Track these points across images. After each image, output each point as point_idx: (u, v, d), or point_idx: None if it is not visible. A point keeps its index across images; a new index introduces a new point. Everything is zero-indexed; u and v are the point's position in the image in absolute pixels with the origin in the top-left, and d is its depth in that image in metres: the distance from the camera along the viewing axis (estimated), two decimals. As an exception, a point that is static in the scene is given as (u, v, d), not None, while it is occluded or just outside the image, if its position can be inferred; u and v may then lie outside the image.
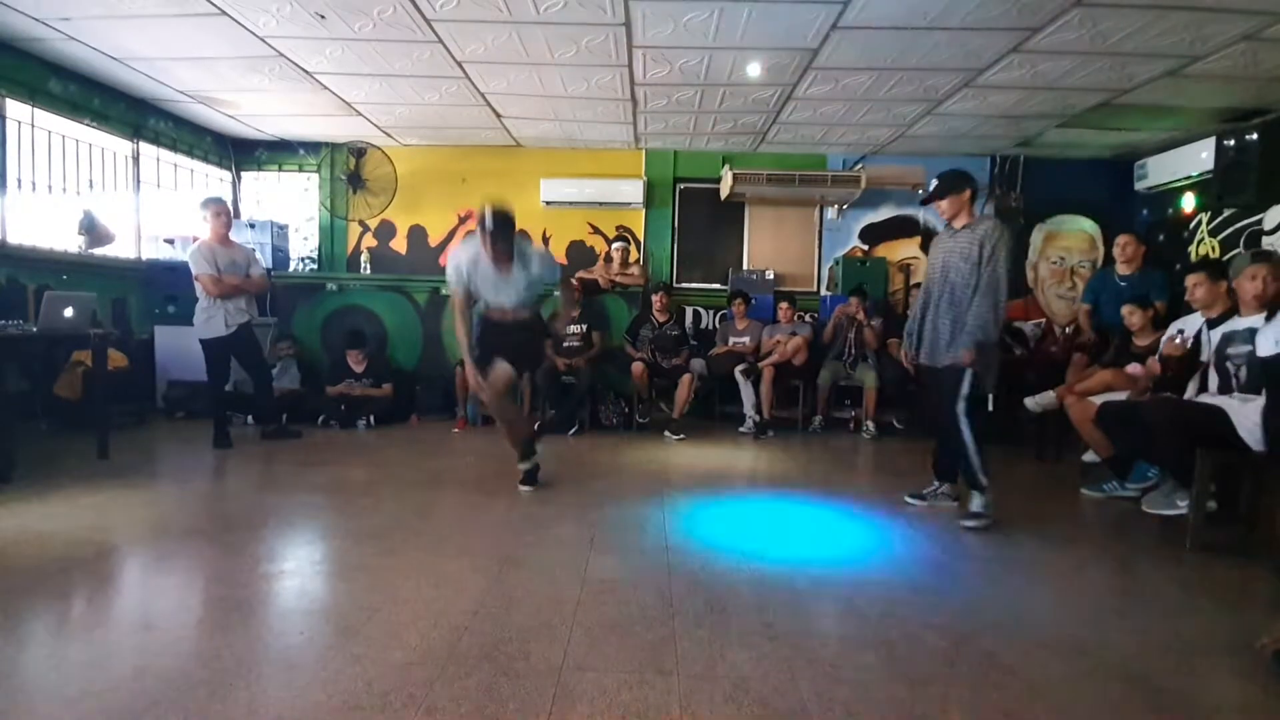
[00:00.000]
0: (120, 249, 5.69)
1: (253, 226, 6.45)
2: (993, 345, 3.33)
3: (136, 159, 5.91)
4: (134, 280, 5.83)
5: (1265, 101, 4.99)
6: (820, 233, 7.09)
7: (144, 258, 5.96)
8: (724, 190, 6.71)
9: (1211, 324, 3.32)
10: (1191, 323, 3.57)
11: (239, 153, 7.04)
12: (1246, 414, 2.96)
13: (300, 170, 7.15)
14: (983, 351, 3.28)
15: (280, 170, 7.17)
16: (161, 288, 5.87)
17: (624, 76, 4.97)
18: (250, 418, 5.49)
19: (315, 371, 6.08)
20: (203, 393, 5.64)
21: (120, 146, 5.77)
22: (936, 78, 4.82)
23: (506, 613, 2.19)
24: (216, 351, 4.72)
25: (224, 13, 4.08)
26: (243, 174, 7.14)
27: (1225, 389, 3.16)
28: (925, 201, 3.57)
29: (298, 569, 2.59)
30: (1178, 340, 3.51)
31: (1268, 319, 3.06)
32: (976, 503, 3.35)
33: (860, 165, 6.75)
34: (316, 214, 7.17)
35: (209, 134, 6.67)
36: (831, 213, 7.02)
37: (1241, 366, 3.10)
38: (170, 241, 6.01)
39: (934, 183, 3.49)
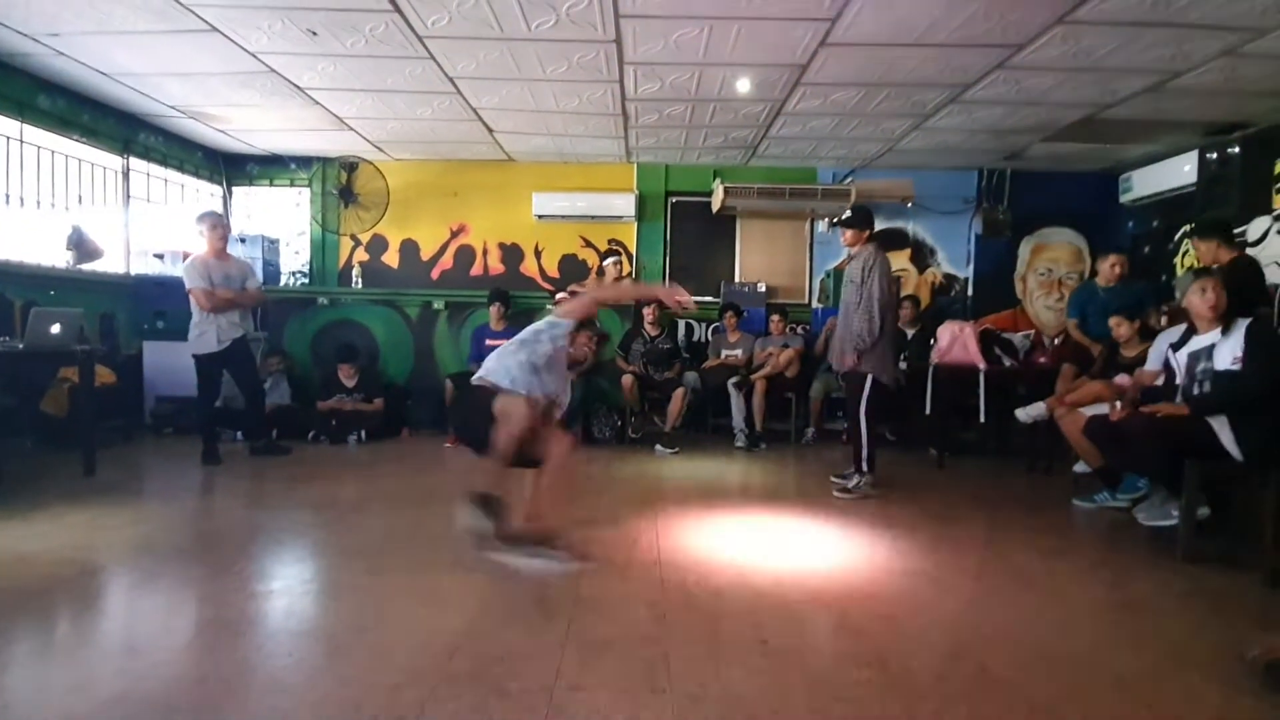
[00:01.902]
0: (109, 264, 5.66)
1: (243, 241, 6.43)
2: (877, 348, 4.02)
3: (126, 174, 5.89)
4: (122, 295, 5.80)
5: (1246, 115, 5.06)
6: (811, 245, 7.12)
7: (133, 273, 5.93)
8: (715, 203, 6.74)
9: (1176, 347, 3.31)
10: (1171, 338, 3.56)
11: (230, 167, 7.02)
12: (1225, 426, 2.97)
13: (292, 185, 7.13)
14: (865, 355, 4.01)
15: (271, 185, 7.16)
16: (150, 303, 5.83)
17: (615, 92, 5.00)
18: (239, 434, 5.44)
19: (306, 386, 6.05)
20: (192, 408, 5.62)
21: (110, 161, 5.75)
22: (923, 93, 4.87)
23: (498, 631, 2.17)
24: (207, 367, 4.70)
25: (215, 29, 4.09)
26: (234, 189, 7.12)
27: None
28: (836, 223, 4.24)
29: (286, 588, 2.56)
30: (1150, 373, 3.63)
31: (1224, 333, 3.06)
32: (855, 480, 4.10)
33: (850, 179, 6.80)
34: (308, 228, 7.15)
35: (199, 149, 6.66)
36: (822, 225, 7.06)
37: (1206, 383, 3.08)
38: (159, 256, 5.98)
39: (846, 213, 4.20)
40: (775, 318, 6.24)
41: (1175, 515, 3.18)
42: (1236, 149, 5.25)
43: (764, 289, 6.89)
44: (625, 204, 6.86)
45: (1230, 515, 3.28)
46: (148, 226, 6.14)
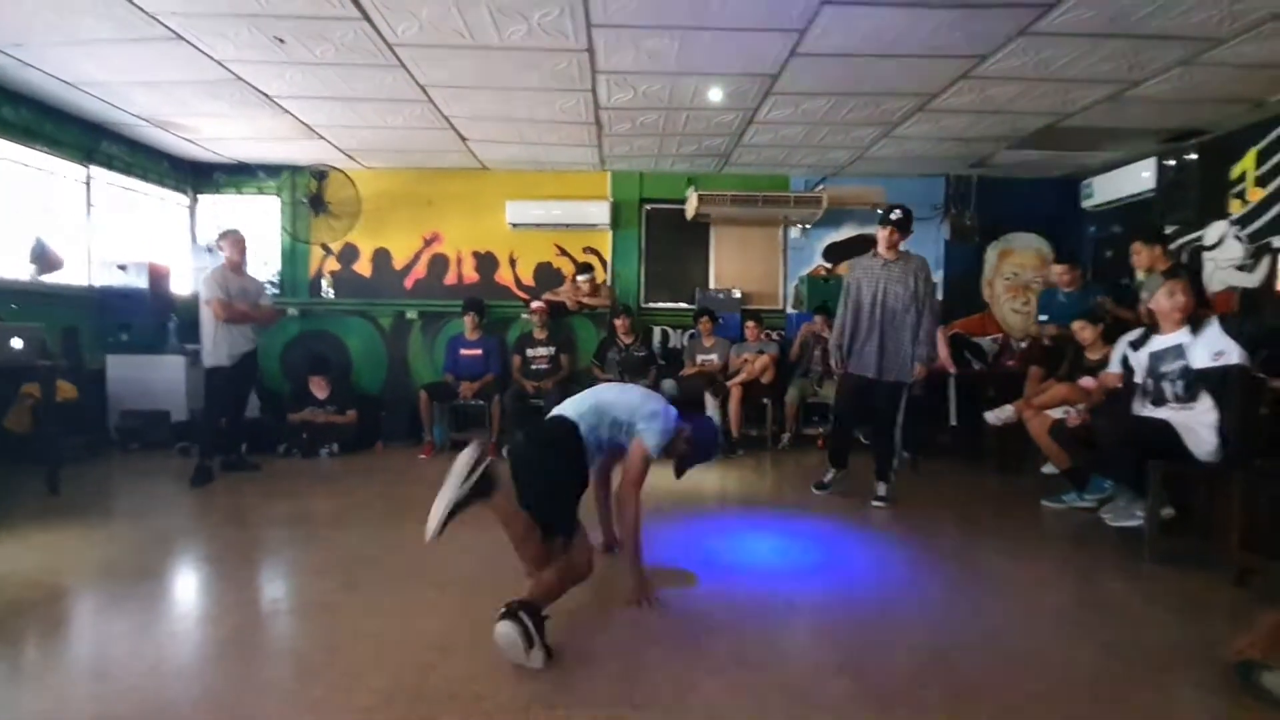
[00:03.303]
0: (71, 276, 5.51)
1: (210, 251, 6.32)
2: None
3: (89, 184, 5.75)
4: (86, 308, 5.65)
5: (1203, 122, 5.22)
6: (785, 252, 7.19)
7: (96, 285, 5.78)
8: (690, 211, 6.78)
9: (1135, 345, 3.39)
10: (1120, 346, 3.64)
11: (197, 176, 6.90)
12: (1191, 426, 3.05)
13: (260, 193, 7.03)
14: (906, 365, 4.01)
15: (240, 194, 7.04)
16: (114, 315, 5.70)
17: (588, 101, 5.01)
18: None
19: (277, 399, 5.96)
20: (157, 422, 5.52)
21: (72, 171, 5.61)
22: (891, 102, 4.95)
23: (475, 648, 2.15)
24: (218, 382, 4.71)
25: (181, 37, 4.02)
26: (200, 198, 6.99)
27: (1159, 403, 3.24)
28: (891, 223, 4.00)
29: (256, 609, 2.52)
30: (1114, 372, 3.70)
31: (1193, 332, 3.13)
32: (885, 489, 4.09)
33: (821, 186, 6.89)
34: (277, 238, 7.05)
35: (165, 158, 6.52)
36: (795, 232, 7.13)
37: (1178, 381, 3.15)
38: (123, 268, 5.85)
39: (897, 213, 4.02)
40: (750, 324, 6.28)
41: (1140, 516, 3.26)
42: (1194, 155, 5.40)
43: (738, 295, 6.93)
44: (600, 212, 6.86)
45: (1194, 516, 3.36)
46: (111, 237, 6.00)
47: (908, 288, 3.95)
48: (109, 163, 5.92)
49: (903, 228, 4.00)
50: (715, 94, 4.83)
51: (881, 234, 4.04)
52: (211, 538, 3.46)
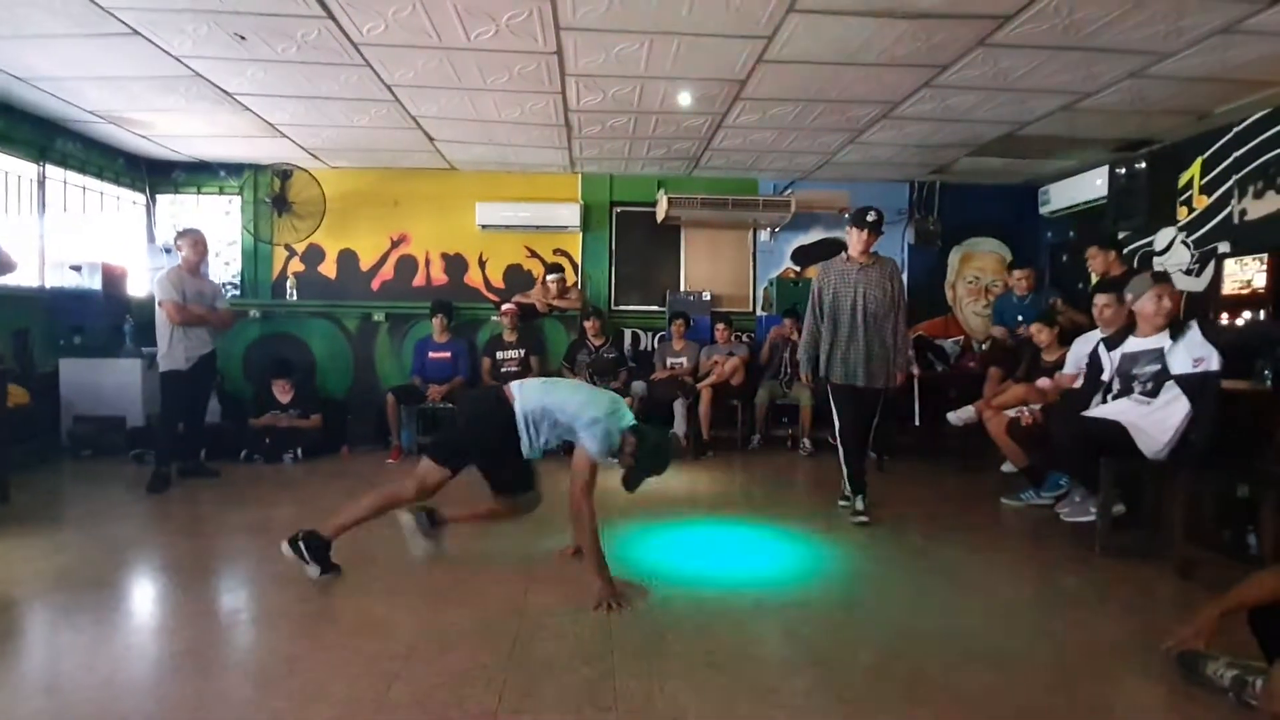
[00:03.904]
0: (23, 277, 5.32)
1: (168, 251, 6.16)
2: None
3: (42, 182, 5.57)
4: (37, 310, 5.46)
5: (1152, 133, 5.41)
6: (754, 254, 7.26)
7: (48, 286, 5.60)
8: (660, 213, 6.81)
9: (1109, 344, 3.46)
10: (1087, 342, 3.76)
11: (154, 175, 6.72)
12: (1142, 426, 3.15)
13: (221, 193, 6.88)
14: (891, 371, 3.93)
15: (199, 193, 6.88)
16: (67, 318, 5.52)
17: (557, 103, 5.01)
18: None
19: (238, 403, 5.83)
20: (111, 428, 5.37)
21: (24, 169, 5.42)
22: (857, 109, 5.04)
23: (440, 655, 2.14)
24: (175, 386, 4.58)
25: (136, 32, 3.92)
26: (158, 197, 6.82)
27: (1123, 395, 3.31)
28: (868, 225, 3.83)
29: (214, 619, 2.47)
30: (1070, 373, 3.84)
31: (1173, 338, 3.15)
32: (863, 503, 3.83)
33: (790, 190, 6.97)
34: (239, 238, 6.90)
35: (121, 155, 6.34)
36: (764, 235, 7.21)
37: (1148, 383, 3.19)
38: (77, 269, 5.67)
39: (874, 214, 3.85)
40: (720, 326, 6.32)
41: (1093, 512, 3.38)
42: (1143, 164, 5.60)
43: (709, 297, 6.98)
44: (570, 214, 6.85)
45: (1143, 511, 3.49)
46: (65, 237, 5.82)
47: (886, 291, 3.84)
48: (63, 160, 5.74)
49: (878, 230, 3.86)
50: (684, 98, 4.86)
51: (858, 236, 3.85)
52: (168, 547, 3.37)
